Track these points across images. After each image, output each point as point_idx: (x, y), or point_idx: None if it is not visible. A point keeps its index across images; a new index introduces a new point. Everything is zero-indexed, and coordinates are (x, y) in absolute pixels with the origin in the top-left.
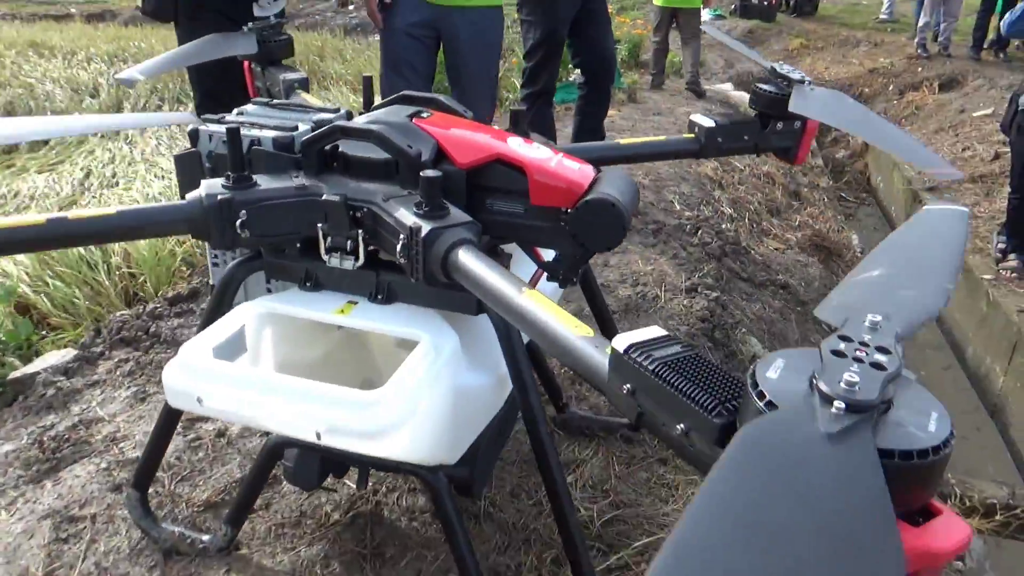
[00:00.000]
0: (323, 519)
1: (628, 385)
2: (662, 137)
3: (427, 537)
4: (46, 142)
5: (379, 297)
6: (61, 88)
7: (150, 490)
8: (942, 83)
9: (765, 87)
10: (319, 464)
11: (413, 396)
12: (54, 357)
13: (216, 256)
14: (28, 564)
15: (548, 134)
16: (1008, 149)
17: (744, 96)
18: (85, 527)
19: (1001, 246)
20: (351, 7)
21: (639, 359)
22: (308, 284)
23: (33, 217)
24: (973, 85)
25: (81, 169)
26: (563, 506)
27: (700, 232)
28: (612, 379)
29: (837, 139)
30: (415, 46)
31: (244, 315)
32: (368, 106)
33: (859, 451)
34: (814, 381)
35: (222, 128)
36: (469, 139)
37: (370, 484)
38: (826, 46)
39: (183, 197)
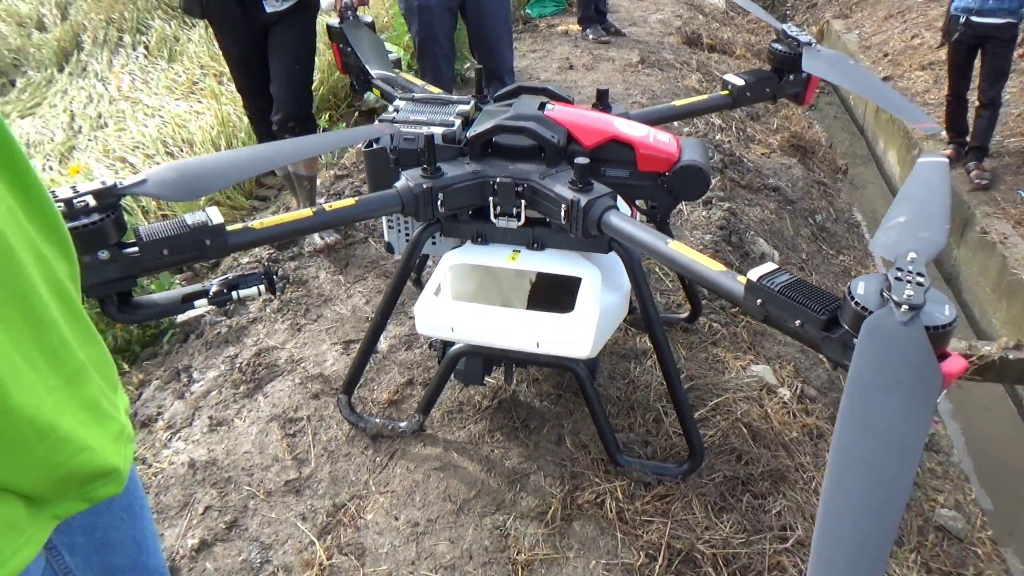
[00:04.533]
0: (478, 406)
1: (759, 300)
2: (704, 96)
3: (556, 412)
4: (13, 83)
5: (535, 246)
6: (4, 23)
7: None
8: None
9: (779, 47)
10: (482, 366)
11: (588, 316)
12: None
13: (391, 221)
14: (275, 452)
15: None
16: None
17: None
18: (304, 425)
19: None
20: None
21: (767, 284)
22: (479, 240)
23: (305, 212)
24: None
25: (64, 111)
26: (674, 382)
27: None
28: (747, 297)
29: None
30: (447, 17)
31: (446, 266)
32: (479, 91)
33: (915, 328)
34: (886, 295)
35: (402, 129)
36: (590, 126)
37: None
38: None
39: (375, 185)
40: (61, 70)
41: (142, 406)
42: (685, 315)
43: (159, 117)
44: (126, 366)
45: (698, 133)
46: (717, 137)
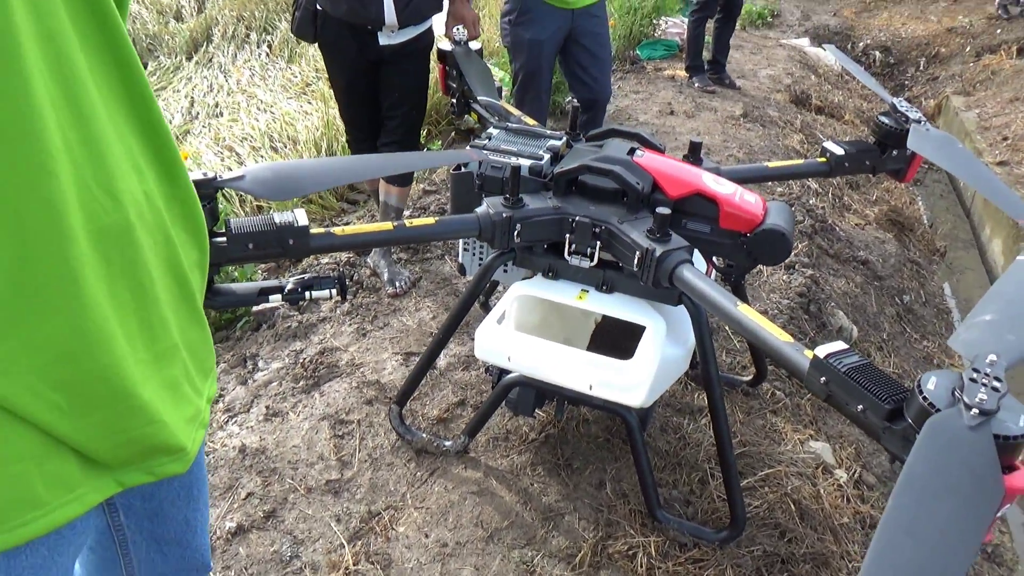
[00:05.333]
0: (524, 437)
1: (824, 378)
2: (799, 161)
3: (601, 455)
4: (145, 66)
5: (604, 288)
6: (147, 9)
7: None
8: (1021, 47)
9: (886, 121)
10: (534, 398)
11: (646, 365)
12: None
13: (467, 243)
14: (322, 450)
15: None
16: None
17: (818, 52)
18: (354, 428)
19: None
20: None
21: (834, 363)
22: (550, 274)
23: (386, 225)
24: None
25: (185, 97)
26: (725, 445)
27: (793, 209)
28: (811, 373)
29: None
30: (554, 51)
31: (513, 295)
32: (573, 128)
33: (983, 434)
34: (958, 394)
35: (491, 157)
36: (677, 176)
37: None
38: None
39: (457, 208)
40: (189, 59)
41: None
42: (749, 378)
43: (270, 113)
44: None
45: (791, 195)
46: (811, 201)
